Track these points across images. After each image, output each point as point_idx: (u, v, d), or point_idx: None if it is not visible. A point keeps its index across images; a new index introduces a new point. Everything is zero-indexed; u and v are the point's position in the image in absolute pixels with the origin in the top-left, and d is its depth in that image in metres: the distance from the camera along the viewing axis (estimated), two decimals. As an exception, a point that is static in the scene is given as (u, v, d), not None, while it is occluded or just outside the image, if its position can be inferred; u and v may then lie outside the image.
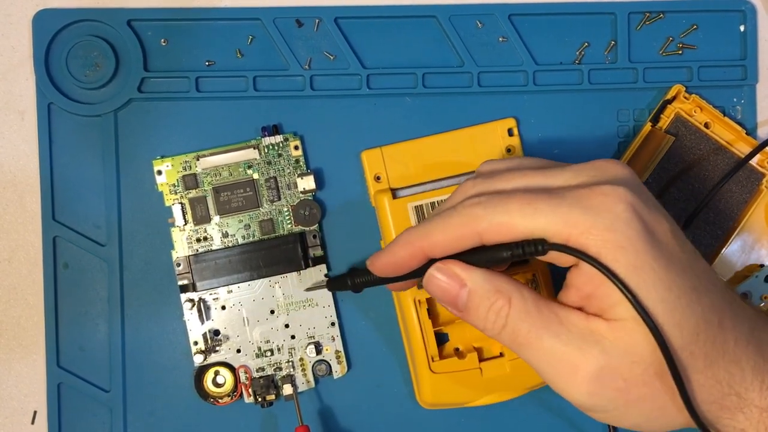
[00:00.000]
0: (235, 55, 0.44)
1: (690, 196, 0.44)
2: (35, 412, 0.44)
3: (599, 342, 0.29)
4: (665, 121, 0.44)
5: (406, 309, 0.41)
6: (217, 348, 0.43)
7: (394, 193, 0.42)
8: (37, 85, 0.43)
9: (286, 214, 0.43)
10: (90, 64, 0.43)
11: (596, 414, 0.31)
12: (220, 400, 0.43)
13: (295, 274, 0.43)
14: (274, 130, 0.44)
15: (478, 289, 0.31)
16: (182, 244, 0.43)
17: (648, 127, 0.44)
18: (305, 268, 0.43)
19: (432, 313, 0.42)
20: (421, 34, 0.45)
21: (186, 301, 0.43)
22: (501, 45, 0.45)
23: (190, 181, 0.43)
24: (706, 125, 0.44)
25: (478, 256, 0.32)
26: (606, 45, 0.45)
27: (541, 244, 0.30)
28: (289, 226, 0.43)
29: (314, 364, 0.43)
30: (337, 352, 0.43)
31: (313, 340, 0.43)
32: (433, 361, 0.41)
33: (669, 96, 0.44)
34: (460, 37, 0.44)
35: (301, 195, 0.43)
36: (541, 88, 0.45)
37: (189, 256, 0.43)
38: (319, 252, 0.43)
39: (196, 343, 0.43)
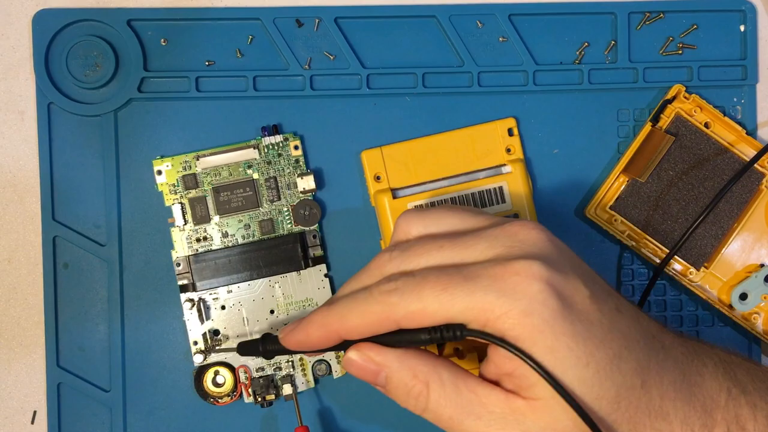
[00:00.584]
0: (235, 55, 0.44)
1: (690, 197, 0.44)
2: (35, 412, 0.44)
3: (520, 422, 0.30)
4: (665, 120, 0.44)
5: (406, 309, 0.41)
6: (217, 348, 0.43)
7: (394, 193, 0.43)
8: (37, 84, 0.43)
9: (286, 214, 0.43)
10: (90, 64, 0.43)
11: None
12: (219, 400, 0.43)
13: (295, 273, 0.43)
14: (274, 130, 0.44)
15: (394, 375, 0.31)
16: (182, 243, 0.43)
17: (648, 126, 0.44)
18: (305, 268, 0.43)
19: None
20: (421, 34, 0.45)
21: (186, 300, 0.43)
22: (501, 45, 0.45)
23: (190, 181, 0.43)
24: (706, 125, 0.44)
25: (398, 337, 0.32)
26: (606, 45, 0.45)
27: (459, 330, 0.30)
28: (289, 225, 0.43)
29: (314, 363, 0.43)
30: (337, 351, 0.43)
31: (313, 340, 0.43)
32: (432, 361, 0.41)
33: (669, 96, 0.44)
34: (460, 37, 0.44)
35: (301, 195, 0.43)
36: (541, 88, 0.45)
37: (189, 255, 0.43)
38: (319, 252, 0.43)
39: (195, 342, 0.43)
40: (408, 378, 0.31)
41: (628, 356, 0.30)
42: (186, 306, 0.42)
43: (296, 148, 0.43)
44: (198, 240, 0.43)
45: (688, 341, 0.33)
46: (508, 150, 0.44)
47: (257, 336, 0.42)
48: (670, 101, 0.44)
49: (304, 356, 0.43)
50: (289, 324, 0.34)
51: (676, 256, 0.44)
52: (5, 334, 0.44)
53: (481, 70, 0.44)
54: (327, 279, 0.43)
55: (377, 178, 0.43)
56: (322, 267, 0.43)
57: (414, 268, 0.31)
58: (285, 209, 0.43)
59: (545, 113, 0.45)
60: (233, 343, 0.42)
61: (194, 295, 0.43)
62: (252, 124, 0.44)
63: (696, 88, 0.45)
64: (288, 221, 0.43)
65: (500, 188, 0.43)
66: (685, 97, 0.44)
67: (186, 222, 0.43)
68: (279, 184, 0.43)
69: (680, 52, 0.46)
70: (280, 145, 0.43)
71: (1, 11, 0.44)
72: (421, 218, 0.34)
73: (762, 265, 0.44)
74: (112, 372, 0.43)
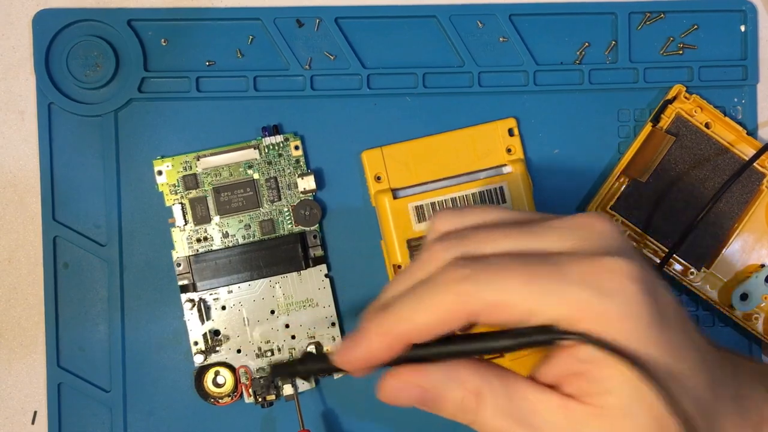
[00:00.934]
0: (235, 55, 0.44)
1: (690, 197, 0.44)
2: (35, 412, 0.44)
3: (577, 431, 0.26)
4: (666, 121, 0.44)
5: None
6: (218, 348, 0.43)
7: (394, 193, 0.43)
8: (37, 85, 0.43)
9: (287, 214, 0.43)
10: (90, 64, 0.43)
11: None
12: (220, 401, 0.43)
13: (295, 274, 0.43)
14: (275, 130, 0.44)
15: (440, 391, 0.27)
16: (182, 244, 0.43)
17: (648, 127, 0.44)
18: (305, 268, 0.43)
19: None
20: (421, 34, 0.45)
21: (186, 301, 0.43)
22: (501, 45, 0.45)
23: (191, 181, 0.43)
24: (707, 125, 0.44)
25: (465, 345, 0.27)
26: (606, 45, 0.45)
27: (550, 332, 0.25)
28: (290, 226, 0.43)
29: (314, 364, 0.43)
30: (337, 352, 0.43)
31: (313, 340, 0.43)
32: (433, 361, 0.41)
33: (670, 96, 0.44)
34: (460, 37, 0.44)
35: (301, 195, 0.43)
36: (541, 88, 0.45)
37: (189, 256, 0.43)
38: (319, 252, 0.43)
39: (196, 343, 0.43)
40: (458, 394, 0.27)
41: (702, 367, 0.27)
42: (186, 306, 0.42)
43: (297, 148, 0.43)
44: (198, 240, 0.43)
45: (725, 351, 0.31)
46: (509, 150, 0.44)
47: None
48: (670, 101, 0.44)
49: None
50: (340, 343, 0.29)
51: (676, 256, 0.44)
52: (5, 334, 0.44)
53: (481, 70, 0.44)
54: (327, 279, 0.43)
55: (378, 179, 0.43)
56: (323, 267, 0.43)
57: (483, 253, 0.26)
58: (285, 209, 0.43)
59: (546, 113, 0.45)
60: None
61: (195, 296, 0.43)
62: (252, 124, 0.44)
63: (696, 89, 0.45)
64: (288, 221, 0.43)
65: (501, 188, 0.43)
66: (686, 97, 0.44)
67: (186, 222, 0.43)
68: (279, 185, 0.43)
69: (681, 52, 0.46)
70: (281, 145, 0.43)
71: (2, 11, 0.44)
72: (460, 216, 0.29)
73: (762, 266, 0.44)
74: (112, 372, 0.43)
